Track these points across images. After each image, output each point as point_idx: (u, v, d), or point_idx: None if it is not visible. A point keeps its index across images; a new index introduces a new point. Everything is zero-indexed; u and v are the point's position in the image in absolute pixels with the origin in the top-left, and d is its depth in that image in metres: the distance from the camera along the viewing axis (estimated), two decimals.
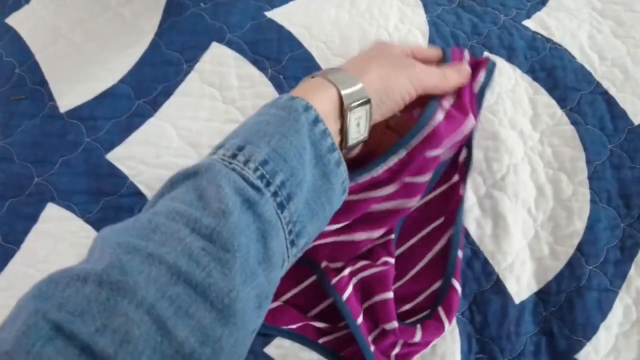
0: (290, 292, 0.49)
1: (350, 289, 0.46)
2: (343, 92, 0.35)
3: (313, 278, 0.49)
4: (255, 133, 0.32)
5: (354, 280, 0.47)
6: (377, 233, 0.46)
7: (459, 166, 0.50)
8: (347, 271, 0.47)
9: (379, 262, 0.47)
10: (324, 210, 0.34)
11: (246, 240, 0.28)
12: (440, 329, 0.45)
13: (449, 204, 0.50)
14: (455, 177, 0.50)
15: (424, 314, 0.47)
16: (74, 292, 0.24)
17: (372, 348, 0.45)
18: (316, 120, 0.34)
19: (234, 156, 0.31)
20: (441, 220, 0.50)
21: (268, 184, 0.30)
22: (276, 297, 0.48)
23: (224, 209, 0.28)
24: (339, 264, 0.48)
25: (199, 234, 0.27)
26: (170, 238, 0.27)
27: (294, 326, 0.47)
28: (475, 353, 0.48)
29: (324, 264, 0.47)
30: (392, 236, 0.48)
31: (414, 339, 0.44)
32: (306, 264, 0.47)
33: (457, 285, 0.47)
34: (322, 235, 0.45)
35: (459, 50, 0.50)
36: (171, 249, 0.26)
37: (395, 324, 0.44)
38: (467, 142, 0.49)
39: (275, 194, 0.30)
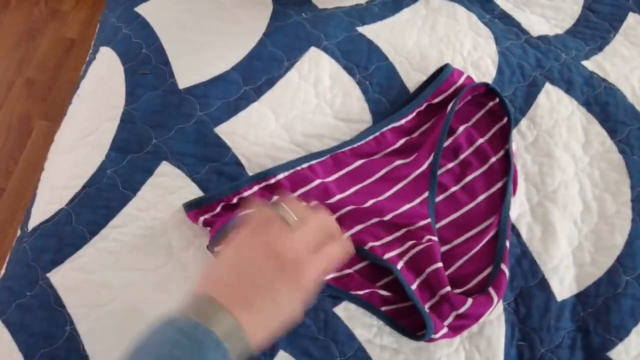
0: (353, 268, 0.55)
1: (401, 264, 0.53)
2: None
3: (365, 263, 0.55)
4: None
5: (405, 258, 0.53)
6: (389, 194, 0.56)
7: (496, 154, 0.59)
8: (395, 252, 0.54)
9: (424, 240, 0.54)
10: None
11: None
12: (489, 302, 0.51)
13: (493, 200, 0.57)
14: (492, 160, 0.58)
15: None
16: None
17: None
18: (217, 344, 0.36)
19: None
20: (492, 219, 0.56)
21: None
22: (345, 266, 0.55)
23: None
24: (384, 240, 0.55)
25: None
26: None
27: (360, 292, 0.53)
28: (517, 340, 0.53)
29: (368, 245, 0.54)
30: (429, 220, 0.55)
31: (464, 306, 0.50)
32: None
33: (505, 269, 0.53)
34: (352, 210, 0.55)
35: (459, 72, 0.60)
36: None
37: (448, 288, 0.50)
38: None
39: None
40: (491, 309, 0.52)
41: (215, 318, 0.37)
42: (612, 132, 0.62)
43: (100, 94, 0.64)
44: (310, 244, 0.40)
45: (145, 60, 0.64)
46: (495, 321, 0.54)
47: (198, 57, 0.64)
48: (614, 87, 0.64)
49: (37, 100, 1.27)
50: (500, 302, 0.54)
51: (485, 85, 0.61)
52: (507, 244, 0.55)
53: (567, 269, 0.56)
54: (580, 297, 0.55)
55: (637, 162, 0.60)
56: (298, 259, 0.40)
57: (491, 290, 0.52)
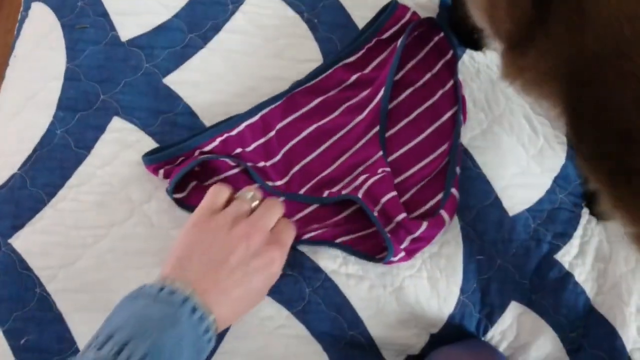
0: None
1: (360, 195, 0.55)
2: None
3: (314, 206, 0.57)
4: (141, 327, 0.37)
5: (361, 191, 0.55)
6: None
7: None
8: (351, 188, 0.56)
9: (378, 172, 0.56)
10: None
11: None
12: (441, 224, 0.54)
13: (443, 130, 0.59)
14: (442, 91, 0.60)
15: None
16: None
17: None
18: (193, 310, 0.39)
19: (119, 352, 0.35)
20: (444, 147, 0.59)
21: None
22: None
23: None
24: (340, 185, 0.57)
25: None
26: None
27: (312, 234, 0.55)
28: (476, 255, 0.57)
29: (325, 193, 0.56)
30: (380, 153, 0.57)
31: (419, 230, 0.53)
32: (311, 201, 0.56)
33: (455, 193, 0.56)
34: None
35: (405, 7, 0.61)
36: None
37: (404, 214, 0.53)
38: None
39: None
40: (443, 230, 0.55)
41: (174, 285, 0.41)
42: None
43: (40, 53, 0.61)
44: (269, 226, 0.47)
45: (83, 13, 0.62)
46: (453, 240, 0.57)
47: (138, 6, 0.62)
48: None
49: None
50: (456, 222, 0.57)
51: (430, 20, 0.62)
52: (458, 170, 0.57)
53: (516, 188, 0.60)
54: (530, 211, 0.59)
55: None
56: (262, 240, 0.45)
57: (443, 213, 0.55)
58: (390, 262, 0.53)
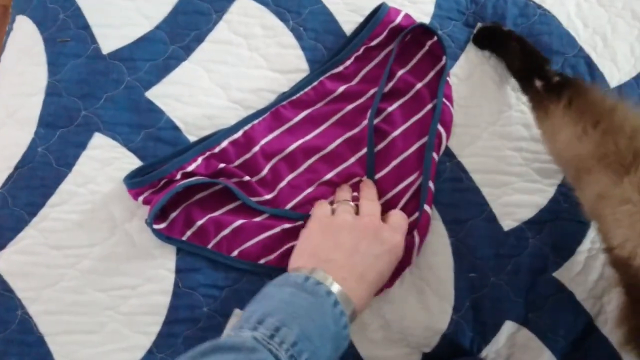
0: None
1: None
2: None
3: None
4: (290, 315, 0.40)
5: None
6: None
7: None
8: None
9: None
10: None
11: None
12: (411, 246, 0.52)
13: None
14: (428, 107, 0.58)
15: None
16: None
17: None
18: (336, 303, 0.42)
19: (272, 337, 0.38)
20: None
21: None
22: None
23: None
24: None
25: None
26: None
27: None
28: (467, 272, 0.55)
29: (312, 210, 0.54)
30: (364, 151, 0.56)
31: None
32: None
33: (428, 209, 0.54)
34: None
35: (396, 10, 0.59)
36: None
37: None
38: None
39: None
40: (414, 250, 0.53)
41: (315, 275, 0.43)
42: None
43: (22, 68, 0.60)
44: (379, 216, 0.51)
45: (64, 26, 0.60)
46: (442, 256, 0.55)
47: (119, 18, 0.60)
48: (549, 13, 0.64)
49: None
50: (446, 237, 0.55)
51: (422, 25, 0.59)
52: (431, 184, 0.55)
53: (513, 199, 0.57)
54: (528, 225, 0.56)
55: None
56: (383, 228, 0.49)
57: (415, 233, 0.53)
58: (377, 293, 0.51)
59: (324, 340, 0.40)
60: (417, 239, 0.52)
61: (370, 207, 0.52)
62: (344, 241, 0.47)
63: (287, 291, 0.42)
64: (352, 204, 0.53)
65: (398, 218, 0.52)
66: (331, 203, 0.54)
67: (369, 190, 0.54)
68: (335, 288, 0.43)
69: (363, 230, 0.49)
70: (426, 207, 0.54)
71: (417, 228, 0.53)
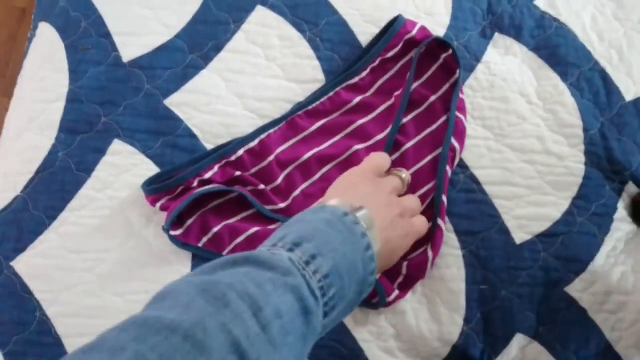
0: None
1: None
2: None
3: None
4: (326, 245, 0.38)
5: None
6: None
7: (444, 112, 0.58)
8: None
9: None
10: (345, 317, 0.42)
11: (293, 340, 0.34)
12: (425, 260, 0.53)
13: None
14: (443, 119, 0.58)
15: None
16: (163, 339, 0.29)
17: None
18: (368, 247, 0.41)
19: (307, 263, 0.36)
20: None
21: (323, 295, 0.36)
22: None
23: (281, 312, 0.33)
24: None
25: (257, 322, 0.32)
26: (237, 317, 0.32)
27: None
28: (479, 284, 0.55)
29: None
30: None
31: (402, 269, 0.53)
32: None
33: (442, 224, 0.54)
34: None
35: (412, 22, 0.60)
36: (236, 326, 0.32)
37: None
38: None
39: (325, 304, 0.37)
40: (428, 265, 0.53)
41: (369, 225, 0.42)
42: (563, 75, 0.62)
43: (44, 74, 0.62)
44: (413, 214, 0.50)
45: (86, 34, 0.62)
46: (454, 268, 0.55)
47: (140, 27, 0.62)
48: (565, 26, 0.64)
49: None
50: (458, 249, 0.55)
51: (438, 39, 0.60)
52: (444, 198, 0.55)
53: (526, 212, 0.57)
54: (540, 238, 0.56)
55: (587, 105, 0.61)
56: (408, 217, 0.48)
57: (427, 248, 0.53)
58: (388, 304, 0.52)
59: (352, 280, 0.38)
60: (430, 254, 0.53)
61: (410, 201, 0.51)
62: (383, 203, 0.46)
63: (324, 219, 0.40)
64: (404, 175, 0.52)
65: (420, 220, 0.51)
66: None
67: (417, 201, 0.53)
68: (373, 229, 0.42)
69: (398, 204, 0.47)
70: (440, 222, 0.54)
71: (431, 244, 0.53)
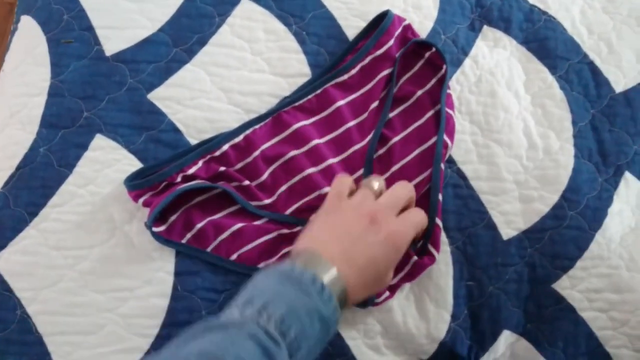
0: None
1: None
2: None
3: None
4: (276, 296, 0.39)
5: None
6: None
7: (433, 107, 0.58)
8: None
9: None
10: (317, 354, 0.41)
11: None
12: (432, 259, 0.52)
13: (429, 153, 0.56)
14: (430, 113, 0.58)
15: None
16: None
17: None
18: (322, 288, 0.40)
19: (260, 313, 0.38)
20: (426, 173, 0.56)
21: (284, 337, 0.37)
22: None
23: (243, 358, 0.35)
24: None
25: None
26: None
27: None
28: (466, 280, 0.55)
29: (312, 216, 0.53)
30: (361, 171, 0.56)
31: (405, 268, 0.52)
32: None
33: (439, 223, 0.54)
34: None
35: (400, 18, 0.59)
36: None
37: None
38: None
39: (289, 345, 0.38)
40: (432, 264, 0.53)
41: (319, 267, 0.41)
42: (552, 69, 0.61)
43: (25, 68, 0.61)
44: (395, 209, 0.46)
45: (68, 27, 0.61)
46: (442, 264, 0.55)
47: (123, 20, 0.61)
48: (554, 19, 0.63)
49: None
50: (446, 245, 0.55)
51: (422, 41, 0.59)
52: (440, 197, 0.54)
53: (513, 207, 0.57)
54: (527, 234, 0.56)
55: (577, 98, 0.60)
56: (386, 217, 0.45)
57: (430, 248, 0.53)
58: (376, 304, 0.52)
59: (313, 320, 0.39)
60: (435, 253, 0.53)
61: (387, 195, 0.47)
62: (340, 223, 0.45)
63: (273, 280, 0.41)
64: (376, 184, 0.48)
65: (413, 211, 0.48)
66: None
67: (400, 190, 0.48)
68: (327, 267, 0.41)
69: (363, 215, 0.45)
70: (438, 221, 0.53)
71: (431, 242, 0.53)
